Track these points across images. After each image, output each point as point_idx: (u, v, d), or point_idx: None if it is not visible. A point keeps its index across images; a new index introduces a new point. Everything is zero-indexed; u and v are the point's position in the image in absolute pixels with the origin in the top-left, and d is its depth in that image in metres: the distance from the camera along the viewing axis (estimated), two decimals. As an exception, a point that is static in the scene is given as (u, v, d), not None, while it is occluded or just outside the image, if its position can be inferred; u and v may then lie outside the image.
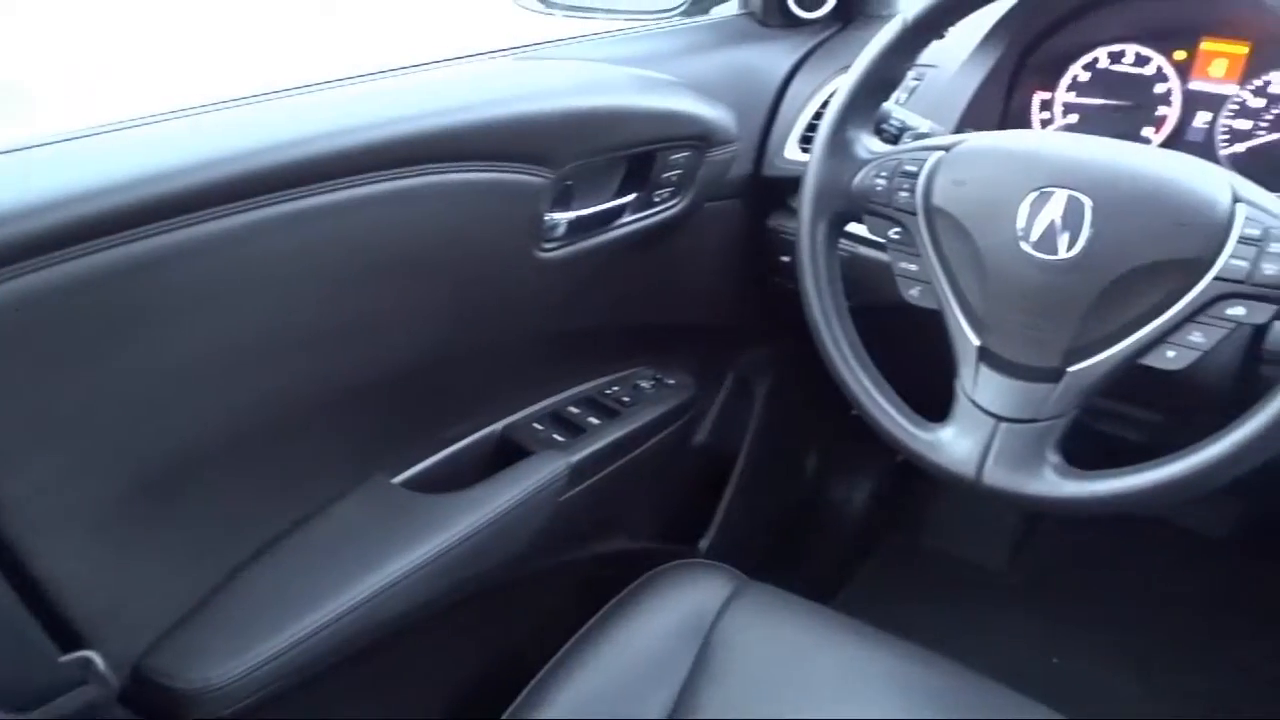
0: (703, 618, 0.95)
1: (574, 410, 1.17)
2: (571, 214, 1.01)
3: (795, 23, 1.27)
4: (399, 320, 0.90)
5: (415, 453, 1.04)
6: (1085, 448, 0.80)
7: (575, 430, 1.13)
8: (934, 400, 0.85)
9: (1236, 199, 0.73)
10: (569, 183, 0.98)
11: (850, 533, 1.67)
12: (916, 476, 1.67)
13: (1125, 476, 0.75)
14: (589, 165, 0.99)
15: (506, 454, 1.08)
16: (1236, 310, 0.72)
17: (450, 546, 0.94)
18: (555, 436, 1.11)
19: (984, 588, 1.63)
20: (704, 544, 1.41)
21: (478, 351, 1.02)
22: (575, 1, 1.31)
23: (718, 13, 1.31)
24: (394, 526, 0.93)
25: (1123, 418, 1.02)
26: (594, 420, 1.15)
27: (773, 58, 1.22)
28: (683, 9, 1.28)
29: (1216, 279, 0.72)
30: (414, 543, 0.92)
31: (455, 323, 0.96)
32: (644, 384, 1.24)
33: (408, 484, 1.02)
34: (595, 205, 1.03)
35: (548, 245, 0.98)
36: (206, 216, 0.71)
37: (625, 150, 1.02)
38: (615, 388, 1.22)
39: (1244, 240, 0.71)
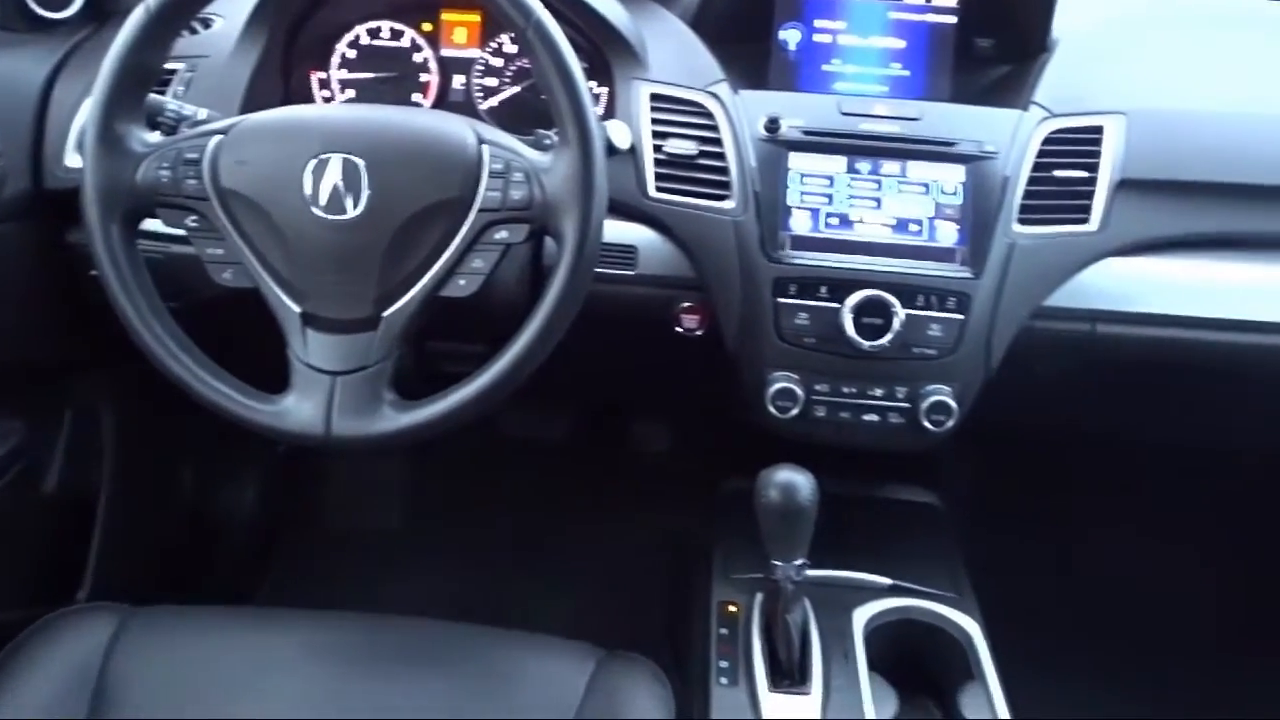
0: (89, 663, 0.88)
1: None
2: None
3: (42, 25, 1.18)
4: None
5: None
6: (437, 390, 0.88)
7: None
8: (282, 375, 0.88)
9: (481, 141, 0.86)
10: None
11: (248, 533, 1.64)
12: (309, 461, 1.69)
13: (446, 397, 0.85)
14: None
15: None
16: (502, 234, 0.86)
17: None
18: None
19: (391, 547, 1.71)
20: (82, 594, 1.29)
21: None
22: None
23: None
24: None
25: (458, 356, 1.14)
26: None
27: (24, 64, 1.13)
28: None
29: (480, 211, 0.85)
30: None
31: None
32: None
33: None
34: None
35: None
36: None
37: None
38: None
39: (493, 175, 0.85)
